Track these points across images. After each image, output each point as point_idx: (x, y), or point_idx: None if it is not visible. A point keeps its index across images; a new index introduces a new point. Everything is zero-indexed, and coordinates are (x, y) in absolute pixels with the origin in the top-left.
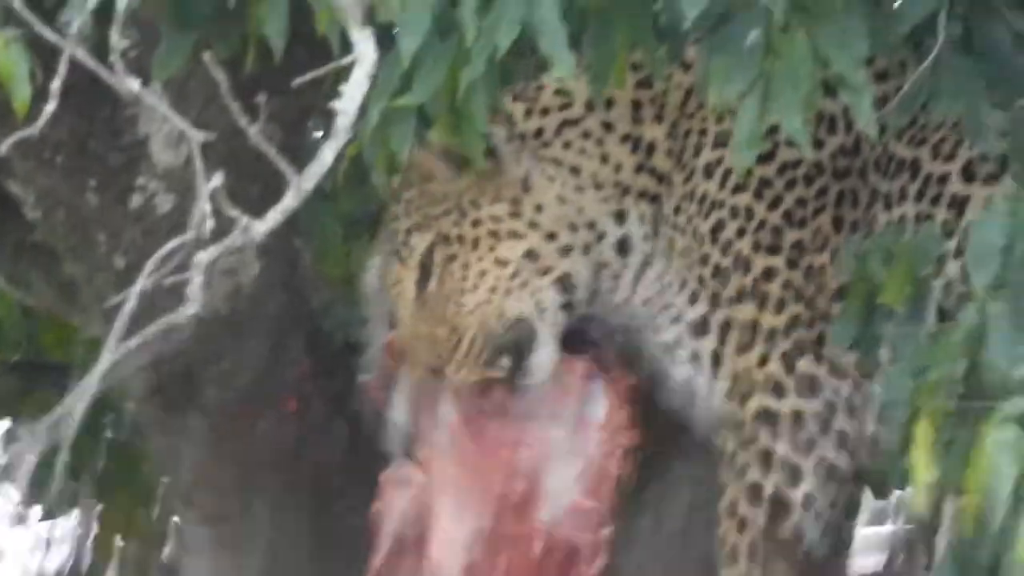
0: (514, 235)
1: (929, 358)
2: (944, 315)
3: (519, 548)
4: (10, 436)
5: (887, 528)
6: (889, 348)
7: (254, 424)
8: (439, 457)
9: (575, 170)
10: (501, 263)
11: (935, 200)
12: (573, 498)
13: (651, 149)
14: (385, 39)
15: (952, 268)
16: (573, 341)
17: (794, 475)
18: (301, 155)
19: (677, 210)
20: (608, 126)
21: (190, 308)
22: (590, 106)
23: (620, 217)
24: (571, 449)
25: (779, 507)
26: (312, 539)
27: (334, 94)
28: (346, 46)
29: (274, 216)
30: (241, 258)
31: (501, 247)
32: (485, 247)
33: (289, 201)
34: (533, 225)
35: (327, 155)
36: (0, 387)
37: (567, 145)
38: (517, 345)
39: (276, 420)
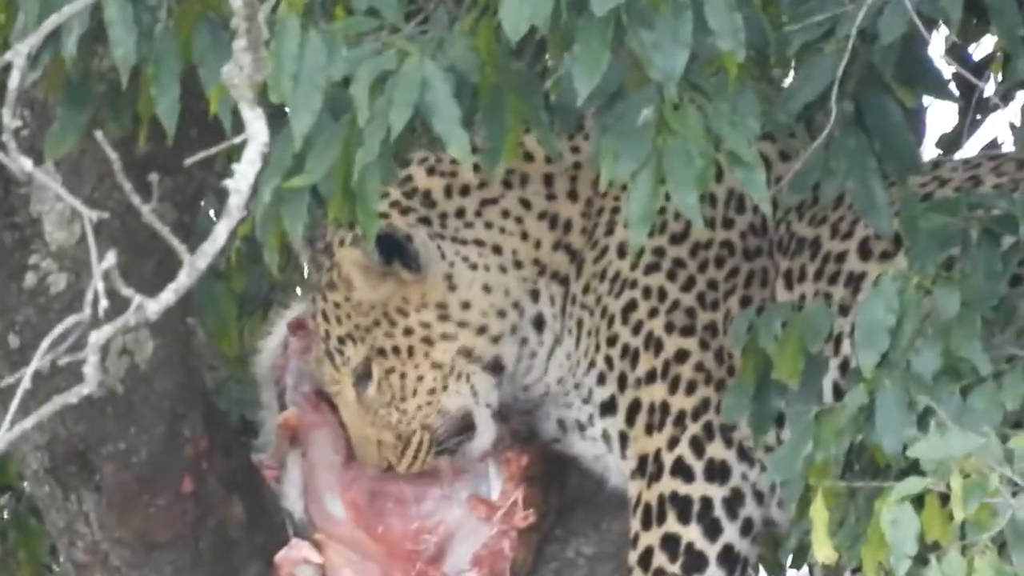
0: (446, 337)
1: (816, 438)
2: (842, 395)
3: None
4: None
5: None
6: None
7: (150, 503)
8: (338, 551)
9: (497, 249)
10: (437, 366)
11: (833, 279)
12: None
13: (568, 226)
14: (277, 118)
15: (848, 346)
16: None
17: (699, 562)
18: (194, 234)
19: (586, 289)
20: (526, 203)
21: (85, 388)
22: (508, 183)
23: (535, 295)
24: (467, 530)
25: None
26: None
27: (227, 173)
28: (238, 125)
29: (168, 295)
30: (136, 337)
31: (435, 351)
32: (420, 354)
33: (183, 280)
34: (463, 324)
35: (221, 234)
36: None
37: (489, 225)
38: (459, 431)
39: (173, 499)
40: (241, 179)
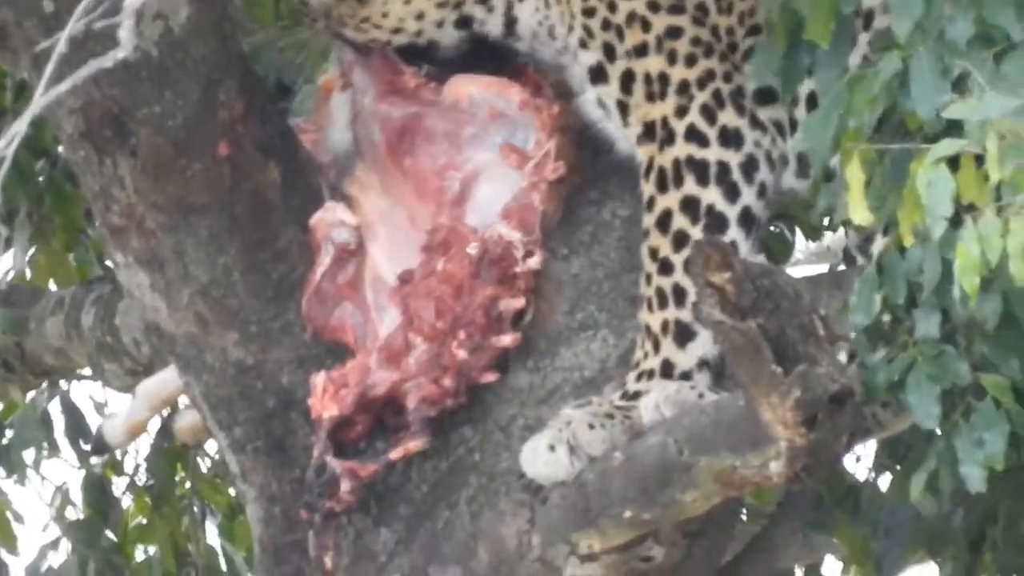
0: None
1: (849, 104)
2: None
3: (453, 253)
4: None
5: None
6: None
7: (185, 167)
8: (369, 191)
9: None
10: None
11: None
12: (501, 216)
13: None
14: None
15: (879, 22)
16: (509, 66)
17: (720, 223)
18: None
19: None
20: None
21: (120, 51)
22: None
23: None
24: (495, 175)
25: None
26: (246, 280)
27: None
28: None
29: None
30: (171, 2)
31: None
32: None
33: None
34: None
35: None
36: None
37: None
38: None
39: (207, 163)
40: None
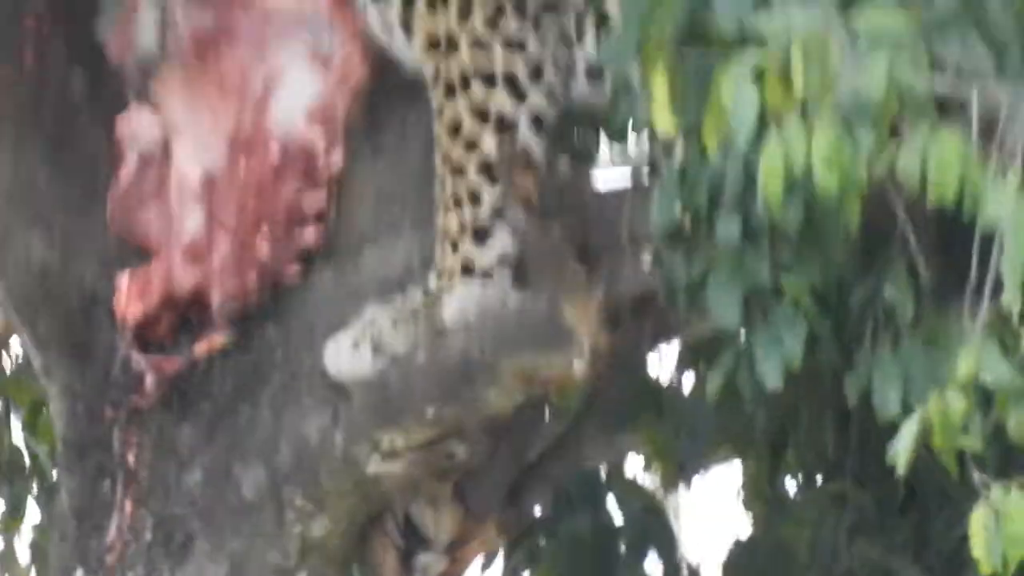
0: None
1: (651, 14)
2: None
3: (256, 152)
4: None
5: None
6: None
7: None
8: (174, 92)
9: None
10: None
11: None
12: (304, 116)
13: None
14: None
15: None
16: None
17: (505, 124)
18: None
19: None
20: None
21: None
22: None
23: None
24: (298, 78)
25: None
26: (51, 182)
27: None
28: None
29: None
30: None
31: None
32: None
33: None
34: None
35: None
36: None
37: None
38: None
39: (13, 71)
40: None
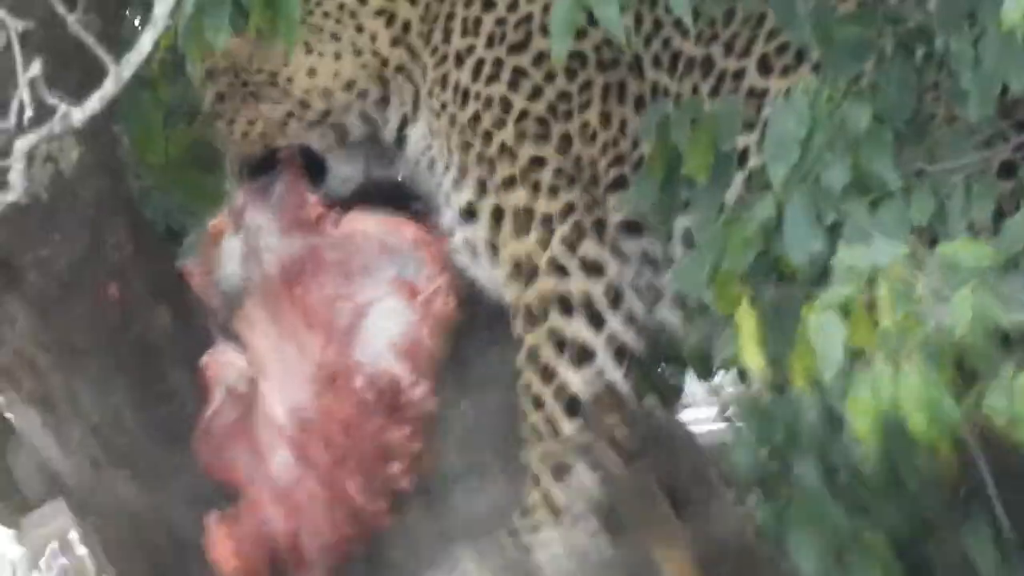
0: (273, 100)
1: (724, 247)
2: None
3: (343, 387)
4: None
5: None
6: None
7: (74, 308)
8: (257, 326)
9: (335, 36)
10: (265, 119)
11: (732, 95)
12: (390, 350)
13: (406, 27)
14: None
15: (754, 160)
16: (398, 199)
17: (586, 353)
18: (120, 43)
19: (430, 93)
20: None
21: (10, 195)
22: None
23: (383, 82)
24: (385, 309)
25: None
26: (137, 421)
27: None
28: None
29: (93, 103)
30: (60, 144)
31: (263, 107)
32: (252, 103)
33: (108, 88)
34: (287, 94)
35: (145, 43)
36: None
37: (326, 15)
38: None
39: (96, 305)
40: None
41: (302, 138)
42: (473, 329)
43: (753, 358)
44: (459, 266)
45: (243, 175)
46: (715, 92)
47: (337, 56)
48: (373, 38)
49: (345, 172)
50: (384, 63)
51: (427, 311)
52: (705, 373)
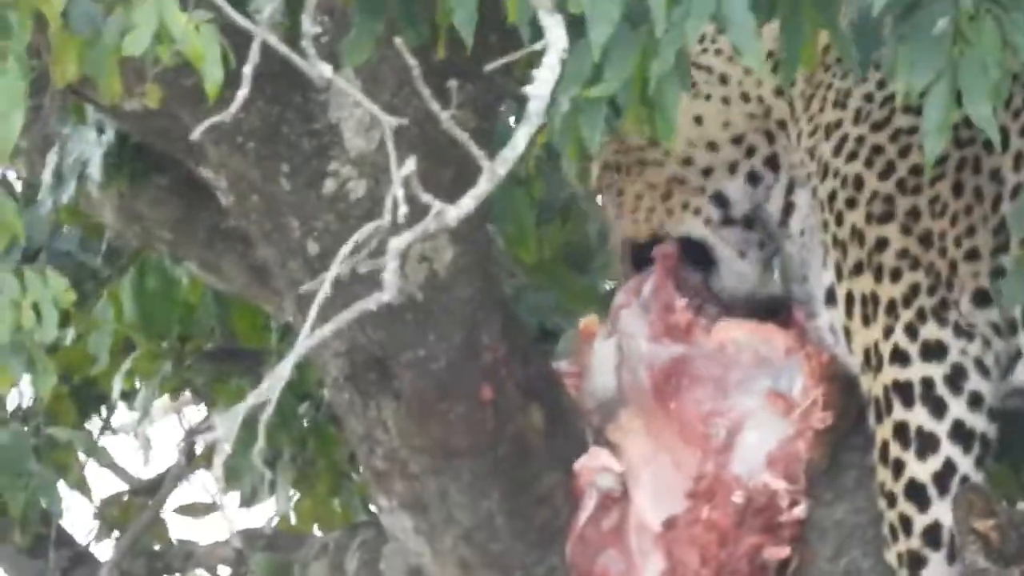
0: (656, 163)
1: None
2: None
3: (718, 500)
4: (205, 423)
5: None
6: None
7: (449, 410)
8: (632, 436)
9: (724, 79)
10: (651, 187)
11: None
12: (767, 465)
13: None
14: (575, 27)
15: None
16: (771, 310)
17: (930, 443)
18: (494, 140)
19: (801, 162)
20: None
21: (385, 295)
22: None
23: (769, 137)
24: (760, 423)
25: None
26: (509, 525)
27: (526, 80)
28: (536, 32)
29: (468, 201)
30: (435, 244)
31: (648, 173)
32: (635, 173)
33: (483, 186)
34: (668, 152)
35: (520, 140)
36: (194, 374)
37: (719, 52)
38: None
39: (471, 406)
40: (541, 85)
41: (685, 218)
42: (850, 431)
43: None
44: (828, 346)
45: (628, 263)
46: None
47: (725, 101)
48: (759, 83)
49: (740, 268)
50: (767, 113)
51: (804, 425)
52: None
